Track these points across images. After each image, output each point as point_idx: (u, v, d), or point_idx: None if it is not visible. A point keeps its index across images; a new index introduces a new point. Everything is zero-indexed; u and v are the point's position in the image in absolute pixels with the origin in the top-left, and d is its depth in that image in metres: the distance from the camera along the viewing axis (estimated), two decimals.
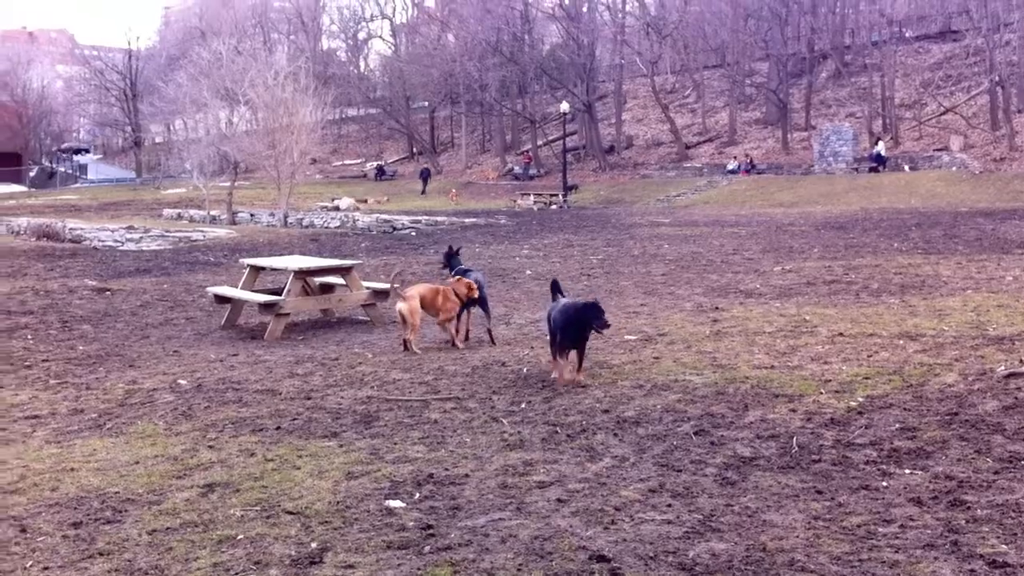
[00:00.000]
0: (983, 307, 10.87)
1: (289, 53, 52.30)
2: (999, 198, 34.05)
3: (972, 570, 4.18)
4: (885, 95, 53.24)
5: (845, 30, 63.84)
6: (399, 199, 52.78)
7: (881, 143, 47.23)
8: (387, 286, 13.09)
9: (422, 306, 10.12)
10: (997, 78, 47.26)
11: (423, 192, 55.44)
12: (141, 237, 26.76)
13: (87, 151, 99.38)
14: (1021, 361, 7.84)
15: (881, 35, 57.24)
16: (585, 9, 66.89)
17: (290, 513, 5.22)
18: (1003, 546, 4.41)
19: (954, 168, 42.72)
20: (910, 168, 44.39)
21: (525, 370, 8.67)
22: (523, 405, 7.44)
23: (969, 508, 4.91)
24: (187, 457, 6.37)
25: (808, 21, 60.94)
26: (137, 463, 6.29)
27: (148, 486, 5.78)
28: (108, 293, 15.52)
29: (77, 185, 79.47)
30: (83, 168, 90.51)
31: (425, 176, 57.87)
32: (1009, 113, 45.66)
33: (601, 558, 4.46)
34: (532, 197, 45.63)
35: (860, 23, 62.27)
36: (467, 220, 32.28)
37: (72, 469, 6.21)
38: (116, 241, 25.77)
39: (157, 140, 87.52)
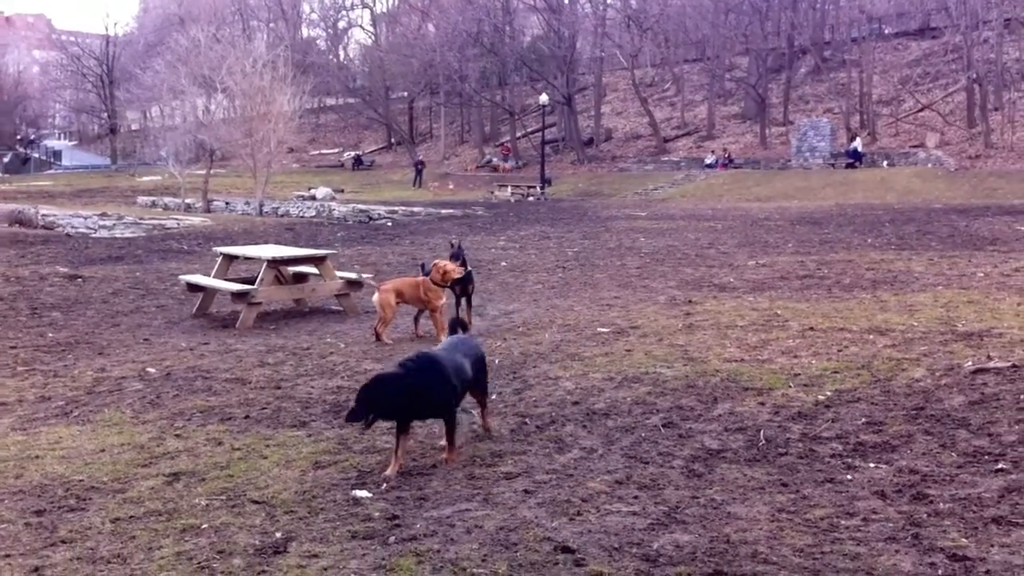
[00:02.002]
0: (953, 303, 10.94)
1: (268, 41, 51.96)
2: (973, 195, 34.29)
3: (932, 563, 4.21)
4: (863, 91, 53.47)
5: (825, 26, 64.06)
6: (376, 189, 52.63)
7: (858, 139, 47.48)
8: (359, 276, 13.07)
9: (404, 299, 10.10)
10: (974, 75, 47.54)
11: (417, 185, 54.86)
12: (114, 224, 26.57)
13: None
14: (989, 357, 7.90)
15: (860, 31, 57.50)
16: (567, 1, 66.83)
17: (255, 502, 5.20)
18: (964, 539, 4.45)
19: (930, 165, 42.97)
20: (886, 164, 44.62)
21: (497, 361, 8.66)
22: (493, 396, 7.42)
23: (932, 502, 4.95)
24: (153, 446, 6.34)
25: (788, 16, 61.11)
26: (103, 451, 6.25)
27: (113, 474, 5.75)
28: (79, 280, 15.40)
29: (51, 171, 78.88)
30: (57, 154, 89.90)
31: (419, 168, 57.27)
32: (985, 111, 45.94)
33: (566, 549, 4.47)
34: (509, 189, 45.59)
35: (840, 19, 62.49)
36: (444, 211, 32.22)
37: (37, 457, 6.16)
38: (89, 228, 25.58)
39: (133, 127, 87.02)
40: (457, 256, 10.77)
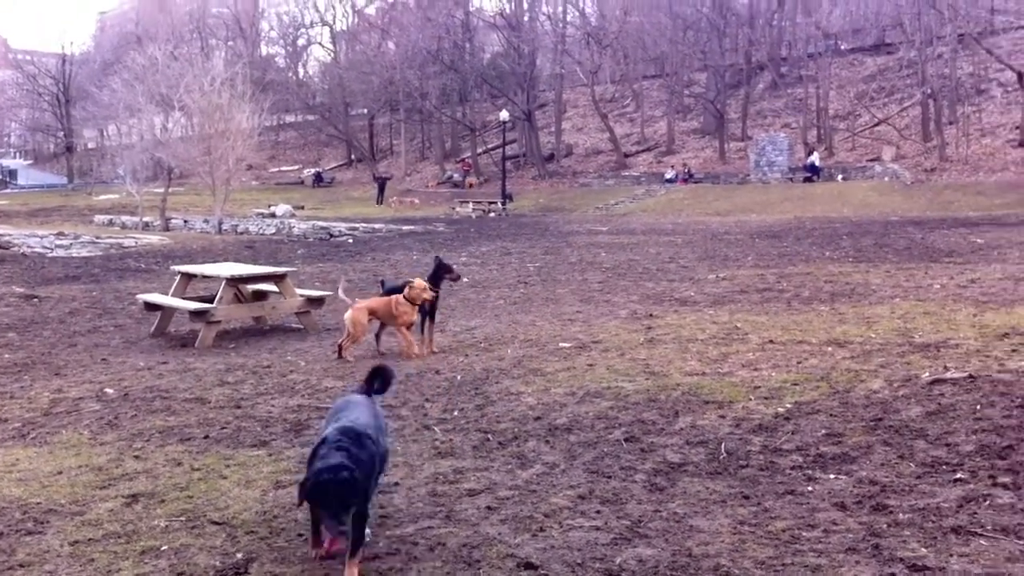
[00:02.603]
0: (910, 315, 11.06)
1: (226, 59, 51.76)
2: (929, 207, 34.75)
3: (892, 573, 4.24)
4: (820, 106, 54.11)
5: (782, 42, 64.84)
6: (337, 206, 52.44)
7: (816, 153, 48.01)
8: (321, 294, 13.01)
9: (377, 317, 10.04)
10: (929, 90, 48.27)
11: (379, 201, 54.51)
12: (71, 243, 26.30)
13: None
14: (945, 368, 7.99)
15: (817, 47, 58.25)
16: (526, 18, 67.20)
17: (216, 523, 5.14)
18: (923, 549, 4.48)
19: (886, 178, 43.51)
20: (843, 178, 45.13)
21: (459, 377, 8.64)
22: (455, 413, 7.42)
23: (891, 512, 4.98)
24: (112, 467, 6.26)
25: (745, 33, 61.81)
26: (60, 473, 6.16)
27: (71, 497, 5.67)
28: (36, 300, 15.22)
29: (7, 191, 77.87)
30: (13, 173, 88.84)
31: (382, 185, 56.92)
32: (940, 125, 46.64)
33: (529, 565, 4.46)
34: (471, 205, 45.61)
35: (796, 35, 63.29)
36: (405, 227, 32.18)
37: None
38: (45, 247, 25.29)
39: (90, 145, 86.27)
40: (442, 268, 10.68)
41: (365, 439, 4.62)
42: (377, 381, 5.39)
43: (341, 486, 4.29)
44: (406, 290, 9.93)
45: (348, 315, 9.91)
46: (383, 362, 6.43)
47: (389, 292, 10.44)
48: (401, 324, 9.90)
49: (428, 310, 10.25)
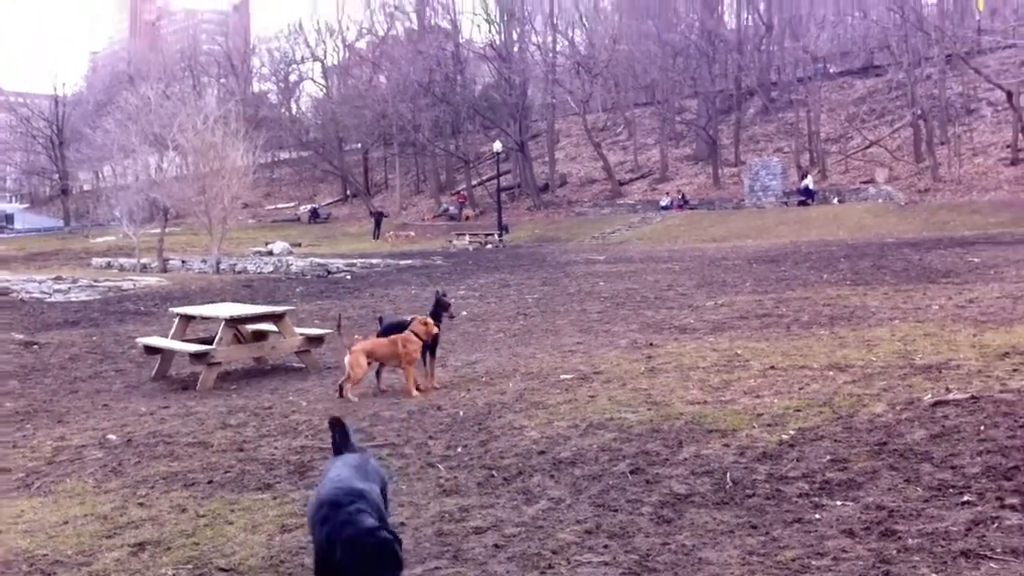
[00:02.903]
0: (910, 337, 11.06)
1: (219, 96, 51.94)
2: (925, 228, 34.83)
3: None
4: (811, 130, 54.37)
5: (771, 67, 65.21)
6: (334, 242, 52.52)
7: (809, 177, 48.16)
8: (321, 332, 13.01)
9: (375, 357, 9.99)
10: (919, 111, 48.53)
11: (376, 236, 54.57)
12: (69, 288, 26.29)
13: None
14: (948, 389, 7.99)
15: (806, 71, 58.58)
16: (516, 49, 67.53)
17: (223, 570, 5.13)
18: (933, 574, 4.47)
19: (880, 200, 43.64)
20: (838, 201, 45.26)
21: (461, 413, 8.63)
22: (459, 449, 7.40)
23: (900, 538, 4.97)
24: (117, 515, 6.24)
25: (735, 59, 62.18)
26: (66, 523, 6.14)
27: (77, 547, 5.65)
28: (35, 347, 15.20)
29: (3, 235, 77.99)
30: (9, 218, 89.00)
31: (378, 219, 57.01)
32: (932, 145, 46.86)
33: None
34: (467, 237, 45.69)
35: (785, 60, 63.63)
36: (403, 262, 32.21)
37: None
38: (44, 292, 25.29)
39: (85, 187, 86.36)
40: (440, 305, 10.64)
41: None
42: (337, 436, 4.93)
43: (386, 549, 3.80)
44: (415, 325, 9.92)
45: (347, 358, 9.88)
46: (336, 414, 5.83)
47: (388, 329, 10.42)
48: (409, 362, 9.86)
49: (430, 345, 10.25)
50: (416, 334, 9.83)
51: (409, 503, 6.10)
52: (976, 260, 20.97)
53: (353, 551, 3.84)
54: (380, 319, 11.50)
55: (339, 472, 4.44)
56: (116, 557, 5.42)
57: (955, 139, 46.83)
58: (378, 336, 10.34)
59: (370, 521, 3.94)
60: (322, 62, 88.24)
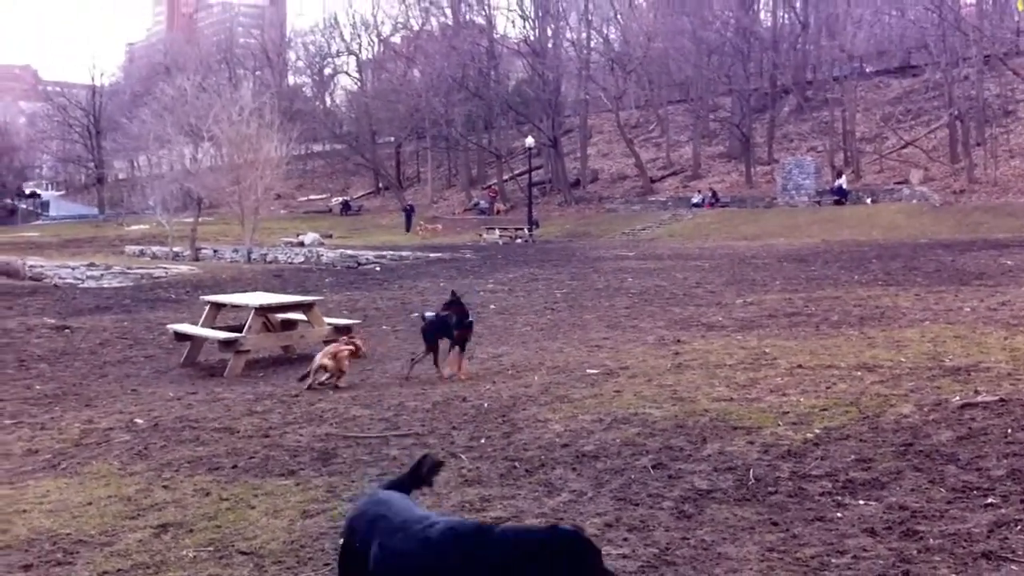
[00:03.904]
0: (940, 338, 10.97)
1: (254, 89, 52.24)
2: (959, 230, 34.50)
3: None
4: (846, 129, 53.96)
5: (807, 65, 64.70)
6: (364, 234, 52.71)
7: (843, 176, 47.82)
8: (349, 322, 13.07)
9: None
10: (956, 112, 48.04)
11: (408, 230, 54.72)
12: (102, 274, 26.55)
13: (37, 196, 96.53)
14: (976, 391, 7.92)
15: (842, 70, 58.06)
16: (550, 45, 67.46)
17: (244, 553, 5.16)
18: (953, 575, 4.44)
19: (914, 201, 43.24)
20: (871, 201, 44.90)
21: (486, 405, 8.65)
22: (482, 440, 7.42)
23: (922, 538, 4.94)
24: (141, 497, 6.30)
25: (770, 57, 61.75)
26: (90, 504, 6.21)
27: (100, 527, 5.71)
28: (67, 331, 15.36)
29: (39, 222, 78.83)
30: (45, 205, 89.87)
31: (409, 213, 57.19)
32: (968, 146, 46.38)
33: None
34: (497, 231, 45.70)
35: (821, 58, 63.12)
36: (432, 255, 32.29)
37: (24, 511, 6.11)
38: (77, 278, 25.55)
39: (120, 176, 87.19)
40: (453, 305, 10.65)
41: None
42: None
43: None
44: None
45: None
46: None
47: (431, 326, 10.47)
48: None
49: (459, 340, 10.32)
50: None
51: (431, 492, 6.09)
52: (1010, 263, 20.76)
53: None
54: (422, 316, 11.44)
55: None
56: (139, 538, 5.48)
57: (992, 141, 46.31)
58: (423, 333, 10.46)
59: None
60: (357, 56, 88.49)
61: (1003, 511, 5.23)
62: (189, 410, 9.10)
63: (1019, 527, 4.98)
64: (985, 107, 48.78)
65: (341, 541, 3.92)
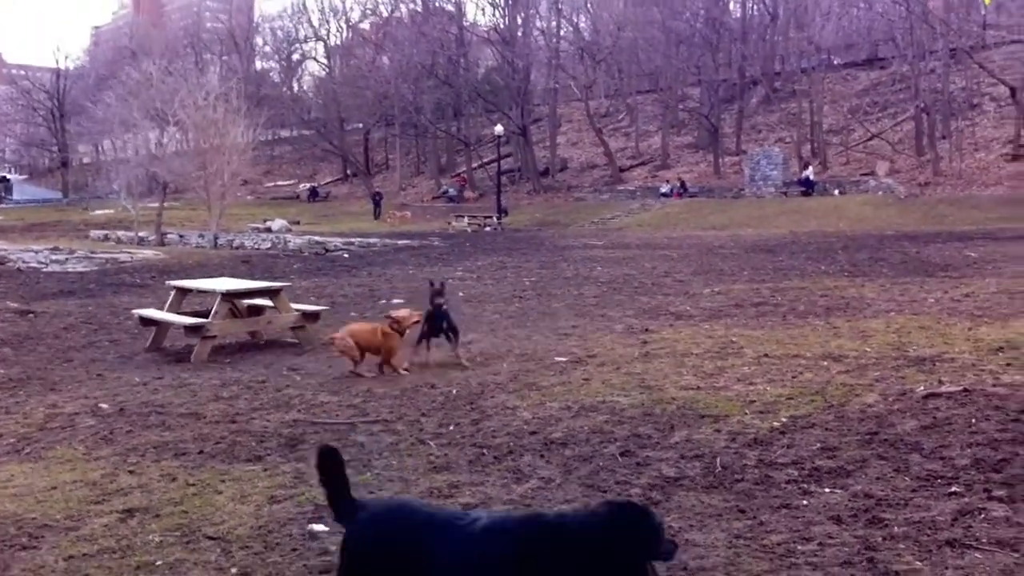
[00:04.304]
0: (905, 329, 11.08)
1: (221, 74, 51.70)
2: (924, 222, 34.84)
3: None
4: (814, 120, 54.29)
5: (775, 57, 65.07)
6: (332, 221, 52.48)
7: (810, 167, 48.15)
8: (317, 308, 13.00)
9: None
10: (922, 105, 48.44)
11: (377, 216, 54.51)
12: (66, 258, 26.27)
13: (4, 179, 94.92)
14: (940, 382, 8.00)
15: (810, 62, 58.41)
16: (520, 33, 67.33)
17: (210, 538, 5.13)
18: (918, 563, 4.49)
19: (880, 192, 43.62)
20: (838, 192, 45.24)
21: (455, 392, 8.64)
22: (451, 427, 7.41)
23: (886, 525, 4.99)
24: (106, 482, 6.25)
25: (739, 48, 62.00)
26: (55, 488, 6.14)
27: (66, 512, 5.66)
28: (30, 316, 15.19)
29: (2, 205, 77.85)
30: (8, 188, 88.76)
31: (377, 200, 56.97)
32: (934, 139, 46.82)
33: None
34: (466, 219, 45.62)
35: (789, 50, 63.48)
36: (400, 242, 32.20)
37: None
38: (40, 263, 25.26)
39: (85, 160, 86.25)
40: (439, 295, 10.54)
41: None
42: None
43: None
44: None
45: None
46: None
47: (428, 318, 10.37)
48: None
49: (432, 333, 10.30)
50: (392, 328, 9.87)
51: (399, 479, 6.11)
52: (974, 255, 20.99)
53: None
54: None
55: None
56: (104, 523, 5.43)
57: (957, 134, 46.76)
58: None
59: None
60: (325, 42, 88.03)
61: (967, 499, 5.29)
62: (155, 395, 9.03)
63: (983, 515, 5.04)
64: (951, 100, 49.23)
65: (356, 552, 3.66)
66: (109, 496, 5.94)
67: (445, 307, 10.49)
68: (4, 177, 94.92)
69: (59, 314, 15.41)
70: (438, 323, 10.41)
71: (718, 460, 6.24)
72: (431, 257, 26.24)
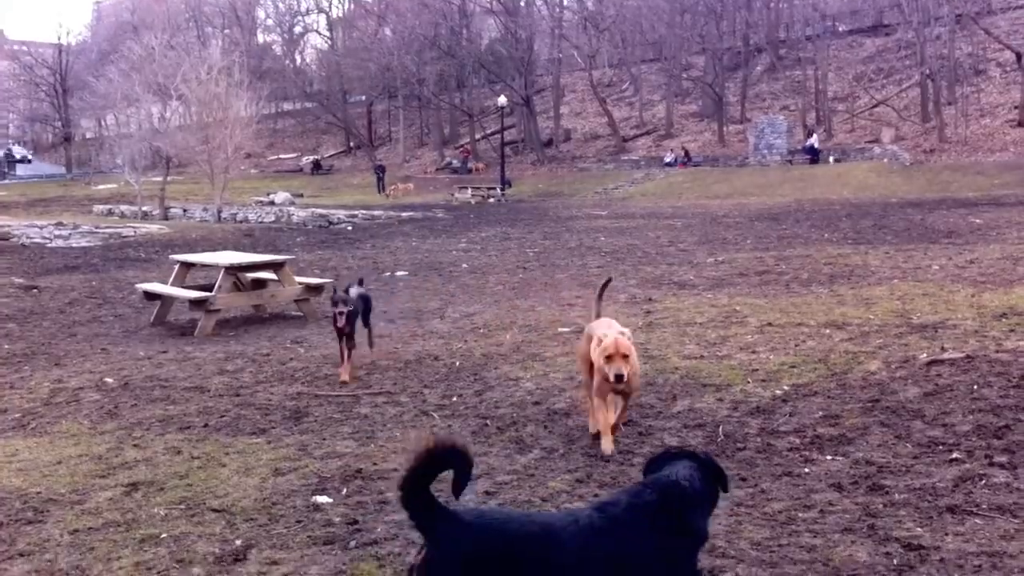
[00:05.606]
0: (908, 296, 11.06)
1: (223, 47, 51.51)
2: (928, 189, 34.72)
3: (888, 552, 4.26)
4: (818, 88, 54.01)
5: (780, 24, 64.63)
6: (336, 193, 52.41)
7: (815, 135, 47.95)
8: (320, 281, 13.01)
9: None
10: (927, 71, 48.16)
11: (380, 189, 54.24)
12: (70, 233, 26.31)
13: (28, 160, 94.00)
14: (943, 348, 8.00)
15: (815, 29, 58.06)
16: (523, 3, 66.95)
17: (215, 511, 5.16)
18: (918, 529, 4.50)
19: (885, 160, 43.45)
20: (841, 160, 45.05)
21: (458, 363, 8.66)
22: (454, 399, 7.44)
23: (887, 492, 5.00)
24: (111, 456, 6.28)
25: (743, 16, 61.56)
26: (60, 463, 6.18)
27: (71, 486, 5.69)
28: (35, 291, 15.23)
29: (6, 181, 77.80)
30: (12, 164, 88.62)
31: (380, 173, 56.75)
32: (939, 106, 46.55)
33: None
34: (470, 191, 45.53)
35: (794, 17, 63.09)
36: (404, 214, 32.17)
37: None
38: (44, 238, 25.31)
39: (88, 135, 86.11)
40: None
41: None
42: None
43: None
44: None
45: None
46: None
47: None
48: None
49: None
50: None
51: (403, 450, 6.12)
52: (978, 221, 20.93)
53: None
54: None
55: None
56: (109, 496, 5.46)
57: (962, 100, 46.54)
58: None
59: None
60: (327, 14, 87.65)
61: (968, 466, 5.30)
62: (159, 369, 9.06)
63: (983, 482, 5.05)
64: (956, 66, 48.96)
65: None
66: (114, 470, 5.97)
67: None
68: (11, 152, 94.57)
69: (63, 289, 15.44)
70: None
71: (720, 429, 6.25)
72: (435, 229, 26.22)
